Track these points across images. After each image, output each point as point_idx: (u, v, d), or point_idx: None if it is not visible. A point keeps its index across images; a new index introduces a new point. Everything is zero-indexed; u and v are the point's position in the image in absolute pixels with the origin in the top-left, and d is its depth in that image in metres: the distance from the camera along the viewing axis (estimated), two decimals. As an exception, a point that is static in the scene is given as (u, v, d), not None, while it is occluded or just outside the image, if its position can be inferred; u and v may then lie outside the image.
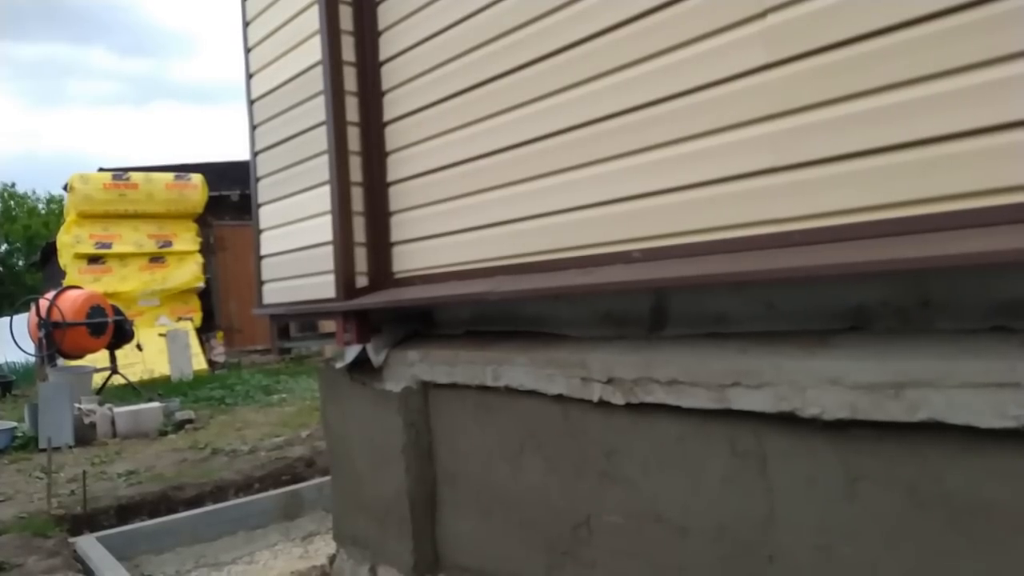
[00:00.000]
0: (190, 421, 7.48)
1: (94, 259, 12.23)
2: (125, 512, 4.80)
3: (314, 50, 3.15)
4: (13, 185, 39.99)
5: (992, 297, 1.55)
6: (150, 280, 12.53)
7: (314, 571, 4.13)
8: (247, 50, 3.69)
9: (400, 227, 3.08)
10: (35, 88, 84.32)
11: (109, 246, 12.31)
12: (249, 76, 3.70)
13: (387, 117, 3.09)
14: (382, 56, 3.09)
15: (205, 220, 13.52)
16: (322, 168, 3.16)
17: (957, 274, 1.60)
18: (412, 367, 2.98)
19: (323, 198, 3.15)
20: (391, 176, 3.10)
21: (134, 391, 9.41)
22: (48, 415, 6.74)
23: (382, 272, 3.14)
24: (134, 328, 9.93)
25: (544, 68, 2.37)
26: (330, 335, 3.65)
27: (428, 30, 2.81)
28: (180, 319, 12.54)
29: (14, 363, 14.00)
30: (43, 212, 38.73)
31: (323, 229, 3.15)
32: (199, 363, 11.79)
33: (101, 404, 7.73)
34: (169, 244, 12.88)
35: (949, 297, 1.63)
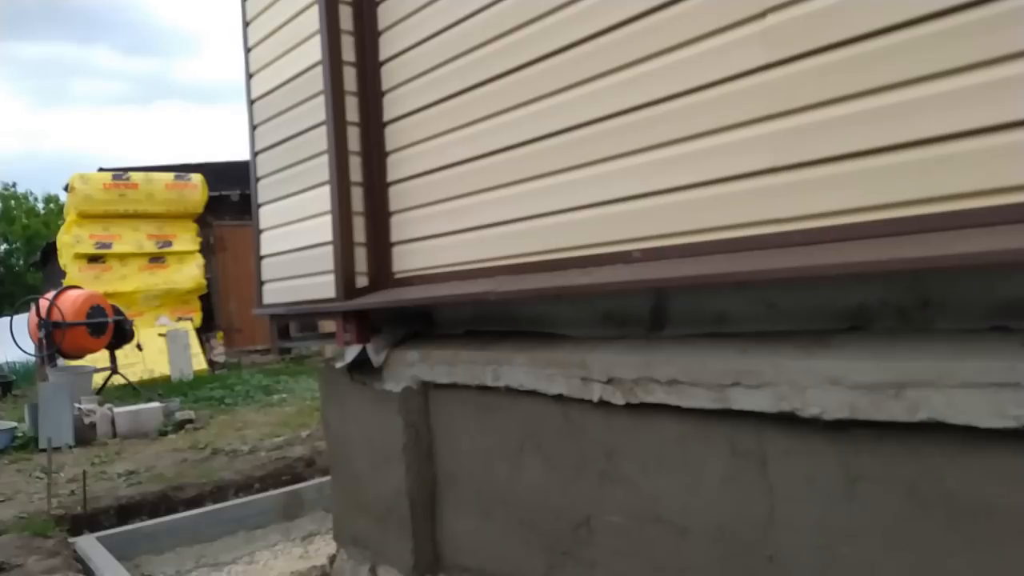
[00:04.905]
0: (190, 421, 7.48)
1: (94, 259, 12.23)
2: (125, 512, 4.80)
3: (314, 50, 3.15)
4: (14, 185, 39.99)
5: (992, 297, 1.55)
6: (151, 282, 12.52)
7: (314, 571, 4.13)
8: (247, 50, 3.69)
9: (400, 227, 3.08)
10: (39, 88, 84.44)
11: (109, 246, 12.31)
12: (249, 76, 3.71)
13: (387, 117, 3.09)
14: (382, 56, 3.09)
15: (205, 220, 13.51)
16: (322, 168, 3.16)
17: (957, 274, 1.60)
18: (412, 367, 2.98)
19: (323, 198, 3.15)
20: (391, 176, 3.10)
21: (134, 391, 9.41)
22: (48, 415, 6.74)
23: (382, 272, 3.14)
24: (134, 328, 9.93)
25: (544, 68, 2.37)
26: (330, 335, 3.64)
27: (428, 30, 2.81)
28: (180, 319, 12.54)
29: (14, 363, 14.00)
30: (42, 212, 38.70)
31: (323, 229, 3.15)
32: (199, 363, 11.79)
33: (101, 404, 7.73)
34: (169, 244, 12.88)
35: (949, 297, 1.63)
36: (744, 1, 1.82)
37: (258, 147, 3.68)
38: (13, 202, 39.25)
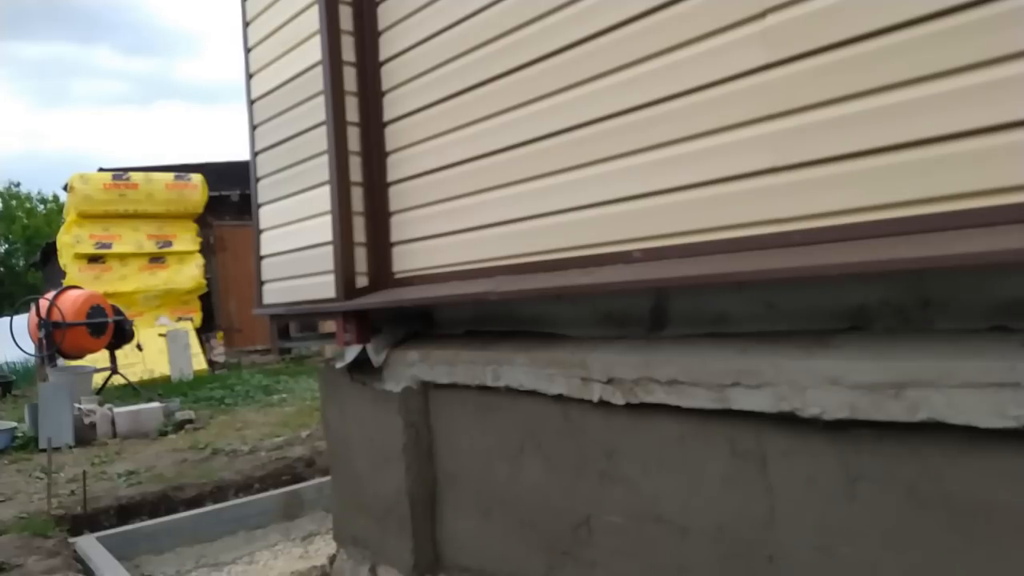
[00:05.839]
0: (190, 421, 7.48)
1: (94, 259, 12.23)
2: (125, 512, 4.80)
3: (314, 50, 3.15)
4: (18, 185, 40.02)
5: (992, 297, 1.55)
6: (151, 282, 12.52)
7: (314, 571, 4.13)
8: (247, 50, 3.69)
9: (400, 227, 3.08)
10: (40, 88, 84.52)
11: (109, 246, 12.31)
12: (249, 76, 3.71)
13: (387, 117, 3.09)
14: (382, 56, 3.09)
15: (205, 220, 13.51)
16: (322, 168, 3.16)
17: (957, 274, 1.60)
18: (412, 367, 2.98)
19: (323, 198, 3.15)
20: (391, 176, 3.10)
21: (134, 391, 9.41)
22: (48, 415, 6.74)
23: (382, 272, 3.14)
24: (134, 328, 9.93)
25: (544, 68, 2.37)
26: (330, 335, 3.65)
27: (428, 30, 2.81)
28: (180, 319, 12.54)
29: (14, 363, 14.00)
30: (42, 212, 38.71)
31: (323, 229, 3.15)
32: (199, 363, 11.79)
33: (101, 404, 7.72)
34: (169, 244, 12.88)
35: (949, 297, 1.63)
36: (744, 1, 1.82)
37: (258, 147, 3.68)
38: (15, 202, 39.25)
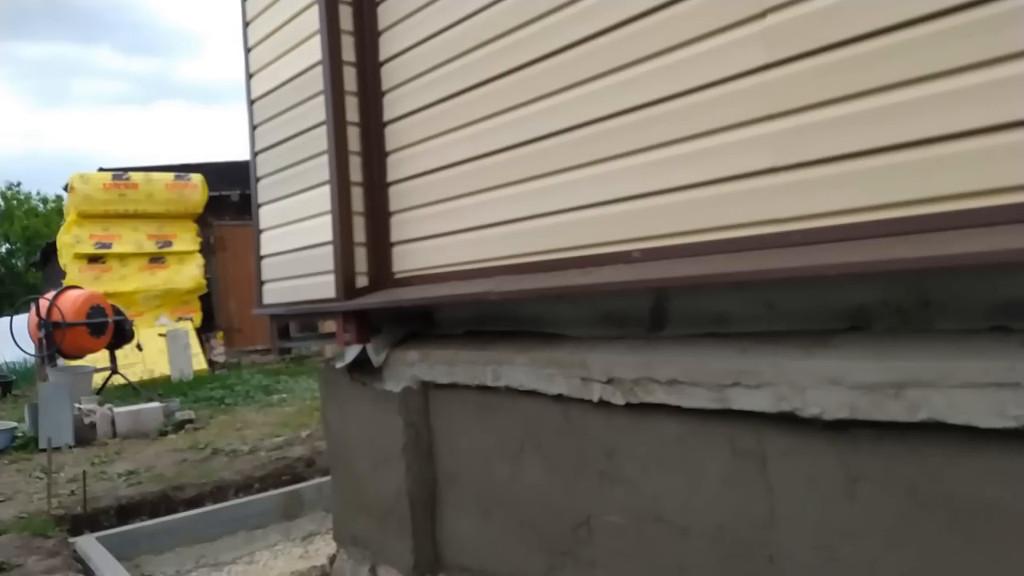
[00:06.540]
0: (190, 421, 7.48)
1: (94, 259, 12.23)
2: (125, 512, 4.80)
3: (314, 50, 3.15)
4: (19, 184, 40.03)
5: (992, 297, 1.55)
6: (151, 282, 12.52)
7: (314, 571, 4.13)
8: (247, 50, 3.69)
9: (400, 227, 3.08)
10: (40, 88, 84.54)
11: (109, 246, 12.31)
12: (249, 76, 3.70)
13: (387, 117, 3.09)
14: (382, 56, 3.09)
15: (205, 220, 13.51)
16: (322, 168, 3.16)
17: (957, 274, 1.60)
18: (412, 367, 2.98)
19: (323, 198, 3.16)
20: (391, 176, 3.10)
21: (134, 391, 9.41)
22: (48, 415, 6.74)
23: (382, 272, 3.14)
24: (134, 328, 9.93)
25: (544, 68, 2.37)
26: (330, 335, 3.65)
27: (428, 30, 2.81)
28: (180, 319, 12.54)
29: (14, 363, 14.00)
30: (42, 212, 38.71)
31: (323, 229, 3.15)
32: (199, 363, 11.79)
33: (101, 404, 7.73)
34: (169, 244, 12.88)
35: (949, 297, 1.63)
36: (744, 1, 1.82)
37: (258, 147, 3.68)
38: (15, 202, 39.24)
